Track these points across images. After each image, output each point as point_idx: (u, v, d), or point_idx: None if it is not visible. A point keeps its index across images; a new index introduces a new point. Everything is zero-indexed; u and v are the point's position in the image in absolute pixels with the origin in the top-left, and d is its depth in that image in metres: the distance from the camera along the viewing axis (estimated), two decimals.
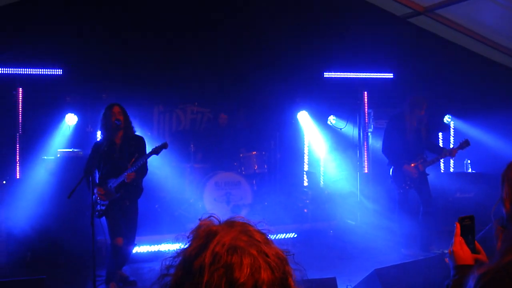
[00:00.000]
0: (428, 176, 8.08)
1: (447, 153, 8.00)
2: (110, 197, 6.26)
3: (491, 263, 2.01)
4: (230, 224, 1.46)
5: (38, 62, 8.34)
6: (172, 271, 1.43)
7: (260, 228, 1.48)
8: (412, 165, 7.89)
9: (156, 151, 6.15)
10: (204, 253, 1.36)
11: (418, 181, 7.95)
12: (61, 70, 8.38)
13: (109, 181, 6.29)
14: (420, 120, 7.96)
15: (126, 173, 6.14)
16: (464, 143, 7.91)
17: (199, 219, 1.50)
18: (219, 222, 1.48)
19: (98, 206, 6.24)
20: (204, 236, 1.41)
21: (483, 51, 10.52)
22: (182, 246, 1.46)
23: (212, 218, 1.49)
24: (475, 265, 2.24)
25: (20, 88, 8.37)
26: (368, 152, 9.84)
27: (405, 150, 7.93)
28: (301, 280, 1.45)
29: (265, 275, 1.34)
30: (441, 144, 10.63)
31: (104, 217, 6.32)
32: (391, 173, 8.06)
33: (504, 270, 1.91)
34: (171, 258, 1.45)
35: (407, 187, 7.95)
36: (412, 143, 7.95)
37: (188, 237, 1.46)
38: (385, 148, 8.15)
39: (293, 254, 1.47)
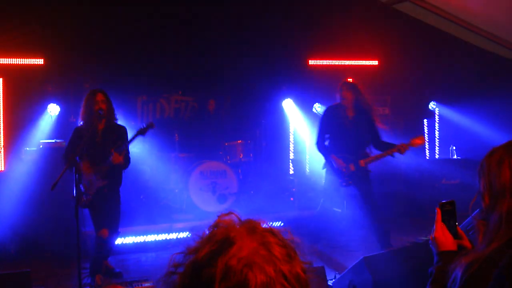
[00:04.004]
0: (371, 174, 7.03)
1: (394, 149, 6.63)
2: (96, 185, 6.15)
3: (477, 252, 2.01)
4: (250, 230, 1.31)
5: (19, 51, 8.21)
6: (180, 269, 1.31)
7: (283, 236, 1.33)
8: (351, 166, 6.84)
9: (142, 132, 5.96)
10: (216, 263, 1.23)
11: (356, 177, 6.90)
12: (42, 60, 8.27)
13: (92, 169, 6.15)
14: (359, 111, 6.91)
15: (111, 158, 5.98)
16: (416, 141, 6.55)
17: (218, 215, 1.37)
18: (240, 221, 1.35)
19: (84, 195, 6.08)
20: (219, 241, 1.28)
21: (469, 38, 10.51)
22: (194, 243, 1.33)
23: (232, 215, 1.36)
24: (458, 251, 2.24)
25: (1, 78, 8.25)
26: None
27: (340, 145, 6.95)
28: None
29: None
30: (426, 131, 10.64)
31: (87, 208, 6.21)
32: (324, 175, 7.16)
33: (490, 259, 1.92)
34: (180, 255, 1.33)
35: (344, 184, 6.93)
36: (349, 137, 6.90)
37: (203, 235, 1.34)
38: (317, 143, 7.11)
39: (320, 266, 1.35)
